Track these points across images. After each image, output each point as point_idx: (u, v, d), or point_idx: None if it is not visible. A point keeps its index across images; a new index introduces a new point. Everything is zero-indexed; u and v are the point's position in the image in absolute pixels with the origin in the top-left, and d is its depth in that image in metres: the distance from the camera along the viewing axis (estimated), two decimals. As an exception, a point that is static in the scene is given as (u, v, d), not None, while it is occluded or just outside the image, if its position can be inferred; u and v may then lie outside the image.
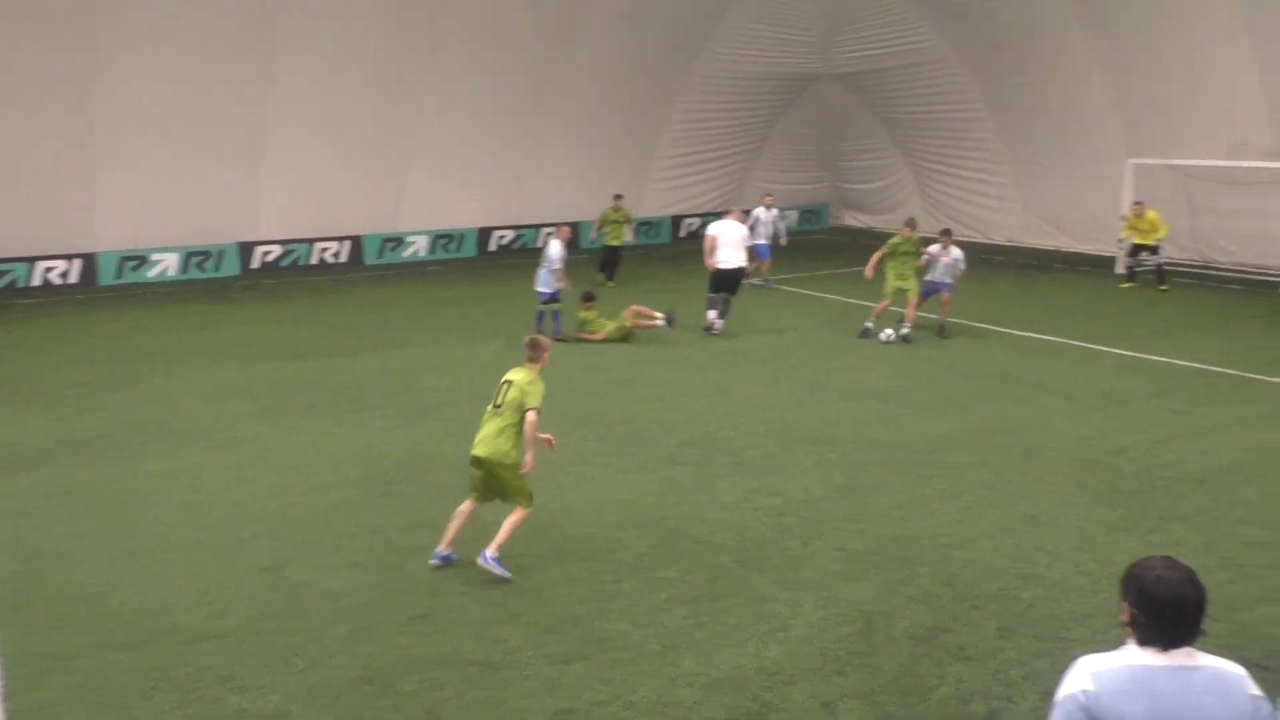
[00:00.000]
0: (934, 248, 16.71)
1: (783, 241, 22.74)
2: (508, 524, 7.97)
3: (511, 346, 16.08)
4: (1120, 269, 22.55)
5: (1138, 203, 21.40)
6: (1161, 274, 20.99)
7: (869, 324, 16.53)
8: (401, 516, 9.21)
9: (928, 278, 16.72)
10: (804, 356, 15.50)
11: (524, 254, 27.46)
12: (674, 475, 10.29)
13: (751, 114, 30.61)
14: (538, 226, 28.11)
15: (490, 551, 7.84)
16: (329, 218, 24.94)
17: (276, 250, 24.46)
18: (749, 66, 28.88)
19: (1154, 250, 21.04)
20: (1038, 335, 16.69)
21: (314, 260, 24.93)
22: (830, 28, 28.52)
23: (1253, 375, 13.97)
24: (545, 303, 16.79)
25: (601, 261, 22.65)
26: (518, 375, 8.13)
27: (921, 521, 9.03)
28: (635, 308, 16.98)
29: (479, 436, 7.98)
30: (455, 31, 24.13)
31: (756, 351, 15.85)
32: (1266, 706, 3.15)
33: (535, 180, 27.70)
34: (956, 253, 16.63)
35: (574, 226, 28.54)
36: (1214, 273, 22.65)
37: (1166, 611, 3.10)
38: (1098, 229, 25.30)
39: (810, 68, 29.85)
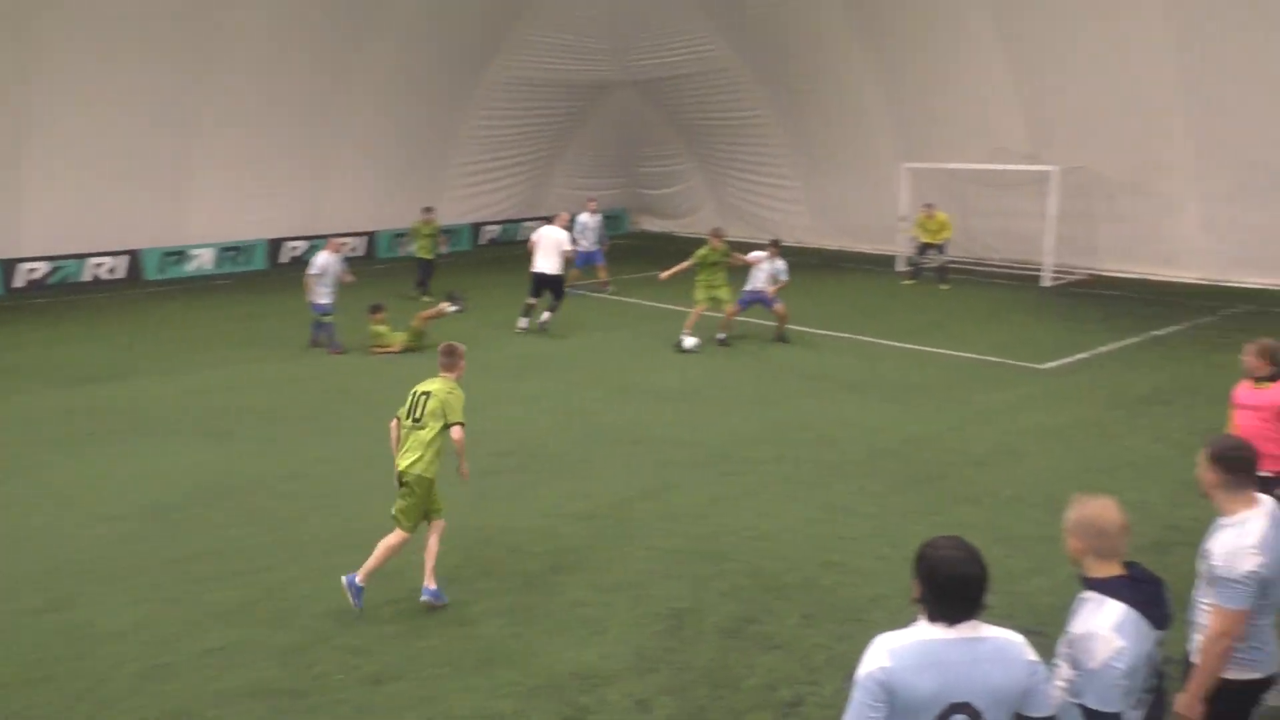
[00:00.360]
0: (757, 254, 16.86)
1: (604, 246, 22.82)
2: (432, 545, 7.63)
3: (308, 362, 15.64)
4: (902, 266, 23.92)
5: (928, 205, 22.68)
6: (944, 272, 22.36)
7: (685, 335, 16.64)
8: (196, 545, 8.76)
9: (747, 287, 16.79)
10: (610, 360, 15.69)
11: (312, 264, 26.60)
12: (486, 485, 10.19)
13: (549, 120, 30.73)
14: (331, 237, 27.20)
15: (430, 584, 7.50)
16: (102, 231, 23.35)
17: (43, 267, 22.77)
18: (543, 73, 28.98)
19: (940, 249, 22.37)
20: (829, 332, 17.47)
21: (87, 277, 23.34)
22: (622, 36, 28.98)
23: (1021, 363, 15.08)
24: (322, 315, 16.40)
25: (419, 276, 22.07)
26: (435, 385, 7.72)
27: (727, 517, 9.30)
28: (421, 314, 16.66)
29: (406, 454, 7.55)
30: (236, 32, 23.08)
31: (564, 357, 15.92)
32: (1042, 669, 3.41)
33: (327, 189, 26.88)
34: (780, 263, 16.81)
35: (370, 236, 27.99)
36: (984, 269, 24.33)
37: (951, 588, 3.30)
38: (878, 230, 26.74)
39: (605, 75, 30.23)
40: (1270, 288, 20.80)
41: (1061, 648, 3.88)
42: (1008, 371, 14.69)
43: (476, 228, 30.24)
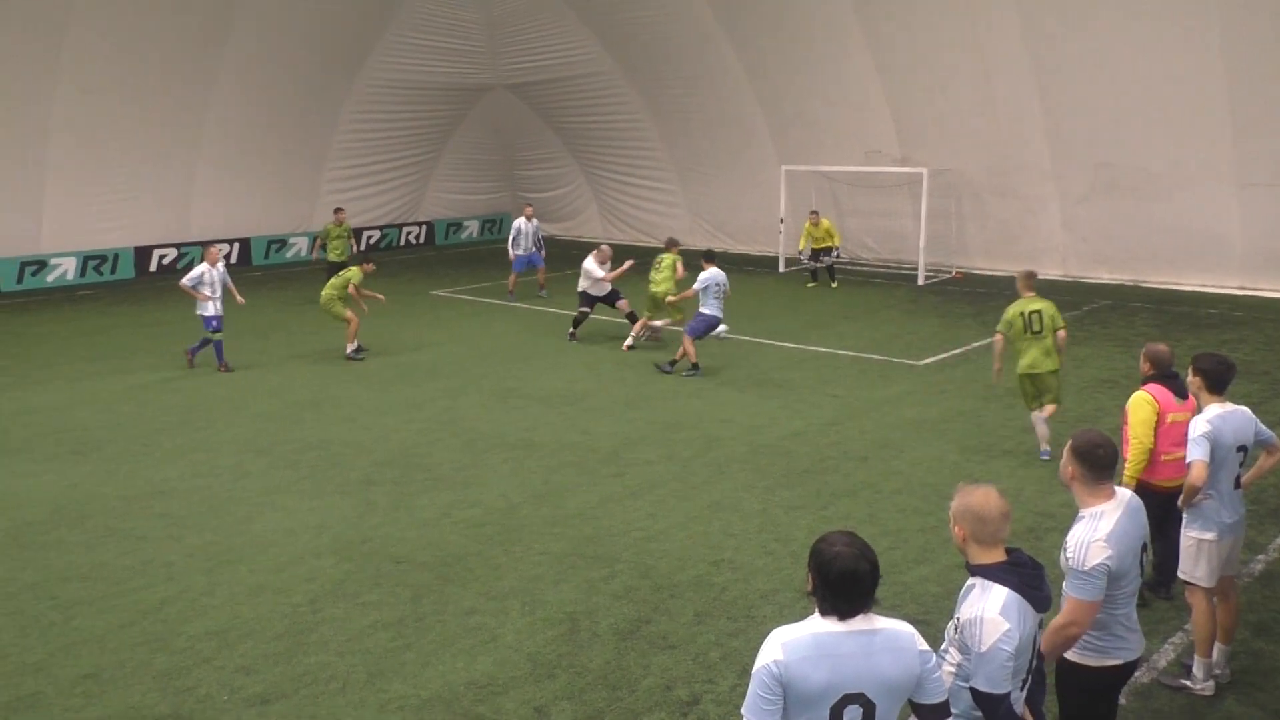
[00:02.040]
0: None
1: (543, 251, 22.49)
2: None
3: (178, 374, 15.06)
4: (782, 268, 24.40)
5: (814, 212, 23.00)
6: (831, 272, 22.72)
7: (632, 340, 16.50)
8: (60, 568, 8.34)
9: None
10: (494, 365, 15.54)
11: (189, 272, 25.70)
12: (371, 496, 9.99)
13: (426, 124, 30.33)
14: (203, 244, 26.31)
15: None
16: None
17: (-115, 280, 21.42)
18: (418, 76, 28.55)
19: (829, 253, 22.66)
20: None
21: (-66, 289, 22.05)
22: (497, 39, 28.78)
23: (898, 359, 15.51)
24: (216, 329, 15.45)
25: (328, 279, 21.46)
26: (1043, 304, 10.59)
27: (617, 519, 9.30)
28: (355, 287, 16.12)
29: (1035, 360, 10.50)
30: (89, 30, 22.07)
31: (446, 364, 15.71)
32: (933, 658, 3.50)
33: (196, 194, 25.96)
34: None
35: (245, 242, 27.15)
36: (861, 268, 24.94)
37: (842, 583, 3.36)
38: (759, 231, 27.19)
39: (480, 78, 29.96)
40: (1124, 284, 21.86)
41: (949, 633, 4.00)
42: (886, 367, 15.08)
43: (356, 233, 29.56)
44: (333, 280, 16.26)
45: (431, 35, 27.81)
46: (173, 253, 25.90)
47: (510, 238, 21.92)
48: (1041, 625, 4.05)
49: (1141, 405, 6.87)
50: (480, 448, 11.49)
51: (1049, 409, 10.70)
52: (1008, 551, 3.97)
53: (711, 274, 15.11)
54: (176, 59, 23.87)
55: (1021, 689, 3.95)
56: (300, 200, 28.35)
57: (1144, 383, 7.08)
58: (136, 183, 24.65)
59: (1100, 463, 4.57)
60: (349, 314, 16.04)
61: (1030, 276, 10.93)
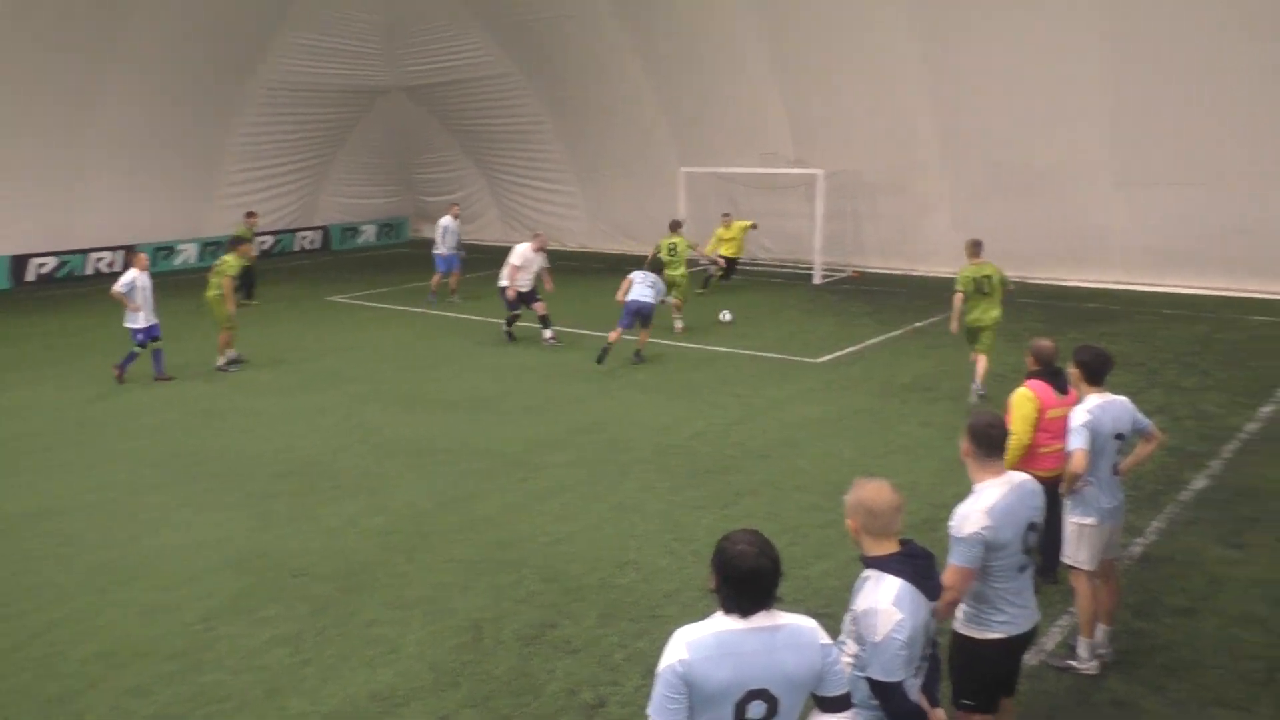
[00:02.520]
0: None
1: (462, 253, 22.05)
2: None
3: (68, 386, 14.49)
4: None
5: (725, 214, 23.11)
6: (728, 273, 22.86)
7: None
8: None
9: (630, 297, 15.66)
10: (398, 371, 15.34)
11: (70, 283, 24.84)
12: (271, 508, 9.77)
13: (321, 127, 29.78)
14: (85, 251, 25.46)
15: None
16: None
17: None
18: (312, 78, 28.01)
19: (732, 264, 22.77)
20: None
21: None
22: (394, 41, 28.41)
23: (797, 358, 15.77)
24: (143, 344, 14.68)
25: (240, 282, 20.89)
26: (991, 269, 12.86)
27: (524, 524, 9.28)
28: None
29: (981, 315, 12.84)
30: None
31: (349, 370, 15.44)
32: (835, 651, 3.58)
33: (78, 200, 25.02)
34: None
35: (131, 249, 26.26)
36: (760, 269, 25.28)
37: (744, 581, 3.41)
38: (659, 233, 27.26)
39: (377, 80, 29.55)
40: (1014, 280, 22.53)
41: (846, 624, 4.10)
42: (786, 366, 15.33)
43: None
44: (211, 280, 15.41)
45: (327, 36, 27.32)
46: (52, 261, 24.96)
47: (438, 236, 21.44)
48: (933, 614, 4.19)
49: (1022, 402, 7.15)
50: (385, 455, 11.33)
51: (983, 359, 13.00)
52: (901, 543, 4.09)
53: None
54: (57, 62, 22.98)
55: (916, 676, 4.07)
56: (192, 205, 27.55)
57: (1028, 378, 7.36)
58: (13, 190, 23.64)
59: (991, 442, 4.81)
60: (233, 309, 15.31)
61: (977, 245, 13.38)
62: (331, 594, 7.88)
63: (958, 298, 12.98)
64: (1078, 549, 6.46)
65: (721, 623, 3.45)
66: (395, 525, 9.27)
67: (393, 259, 29.13)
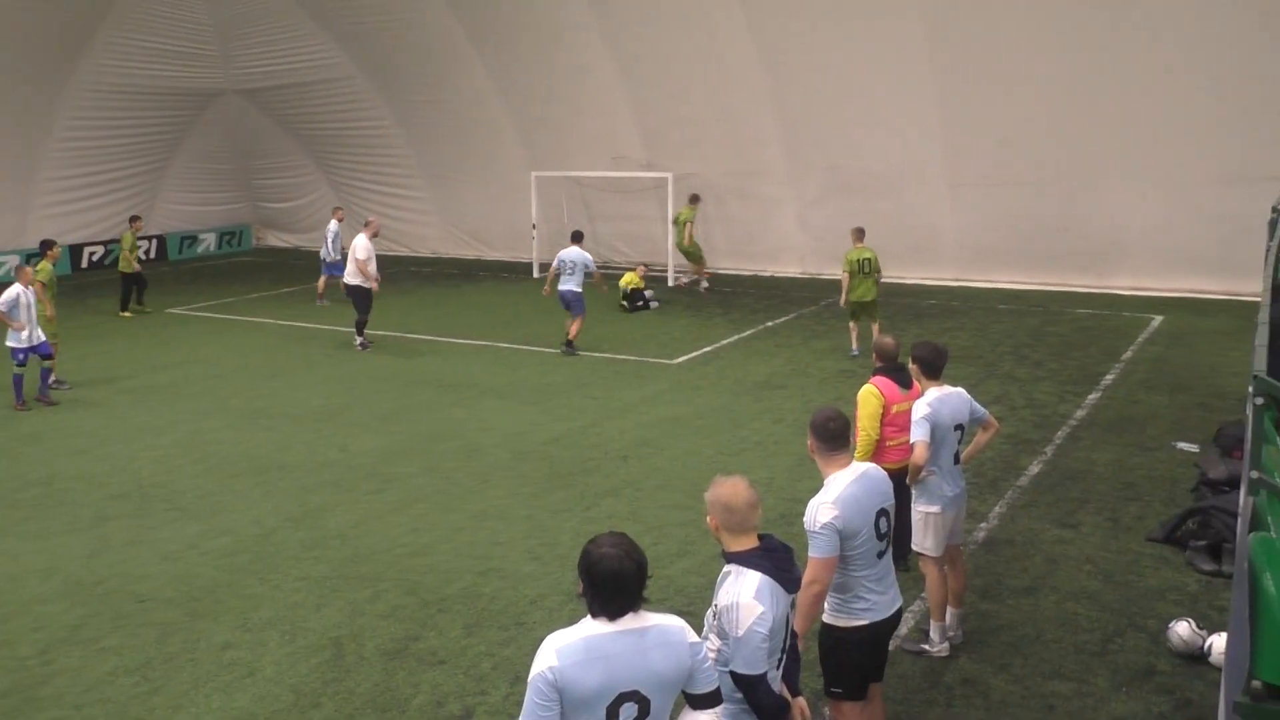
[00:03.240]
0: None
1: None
2: None
3: None
4: (536, 274, 24.51)
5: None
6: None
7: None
8: None
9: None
10: (240, 384, 14.77)
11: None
12: (106, 532, 9.27)
13: (151, 131, 28.33)
14: (21, 265, 23.57)
15: None
16: None
17: None
18: (138, 80, 26.58)
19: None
20: (468, 341, 17.51)
21: None
22: (227, 41, 27.35)
23: (653, 359, 15.92)
24: (23, 362, 13.54)
25: (129, 289, 20.79)
26: (870, 253, 14.71)
27: (379, 536, 9.07)
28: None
29: (864, 292, 14.76)
30: None
31: (187, 385, 14.79)
32: (703, 649, 3.63)
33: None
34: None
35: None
36: (613, 271, 25.39)
37: (609, 584, 3.43)
38: (512, 237, 27.17)
39: (209, 83, 28.35)
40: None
41: (709, 620, 4.16)
42: (642, 368, 15.45)
43: (76, 249, 27.30)
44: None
45: (153, 36, 25.99)
46: None
47: (328, 240, 21.46)
48: (793, 606, 4.29)
49: (868, 399, 7.40)
50: (228, 472, 10.90)
51: (876, 326, 14.99)
52: (759, 538, 4.17)
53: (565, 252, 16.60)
54: None
55: (778, 668, 4.17)
56: (9, 216, 25.89)
57: (873, 374, 7.62)
58: None
59: (832, 435, 4.98)
60: (51, 313, 14.48)
61: (860, 232, 15.47)
62: (178, 619, 7.54)
63: (845, 277, 15.03)
64: (925, 536, 6.72)
65: (590, 627, 3.45)
66: (240, 545, 8.93)
67: (235, 268, 28.04)
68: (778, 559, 4.14)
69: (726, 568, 4.16)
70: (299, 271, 22.59)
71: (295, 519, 9.53)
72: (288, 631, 7.30)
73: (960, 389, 6.88)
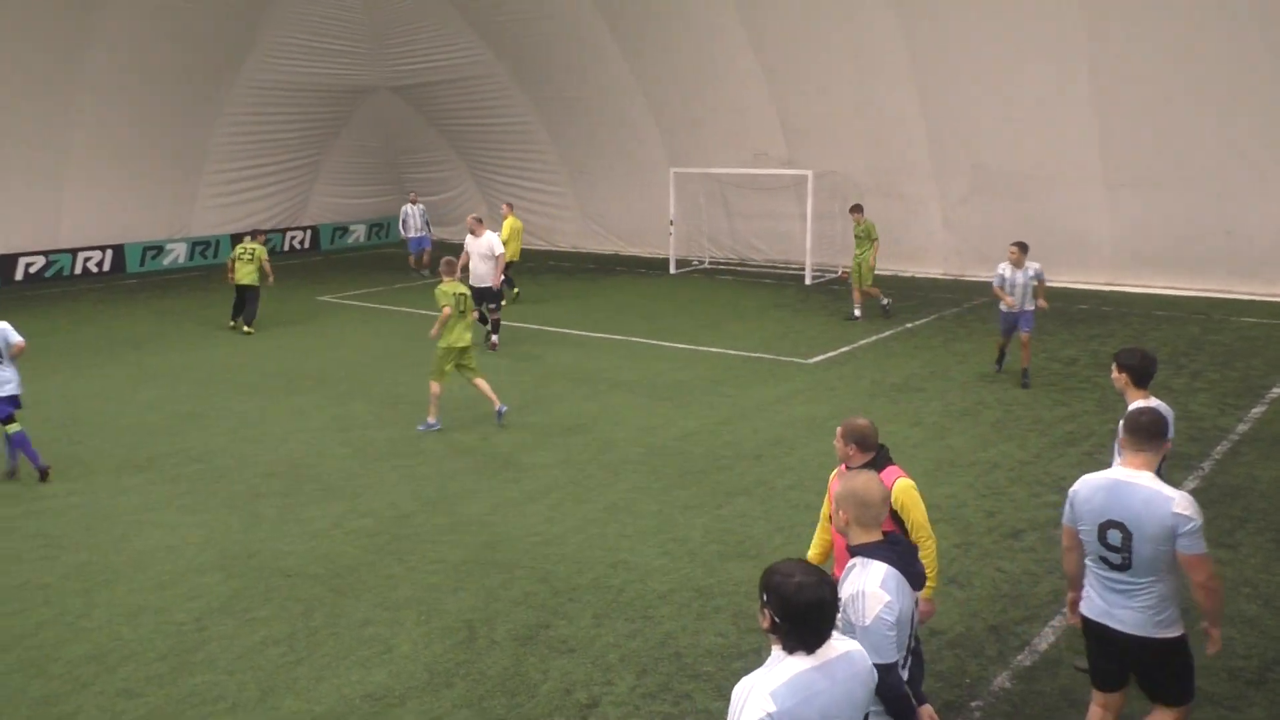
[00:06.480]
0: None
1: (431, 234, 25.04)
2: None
3: (48, 386, 14.39)
4: (673, 270, 24.60)
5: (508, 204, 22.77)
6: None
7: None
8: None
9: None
10: (383, 371, 15.28)
11: (59, 281, 24.80)
12: (258, 509, 9.72)
13: (309, 126, 29.66)
14: (74, 251, 25.39)
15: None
16: None
17: None
18: (299, 77, 27.85)
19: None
20: (603, 335, 17.69)
21: None
22: (381, 40, 28.32)
23: (788, 358, 15.77)
24: (6, 420, 10.55)
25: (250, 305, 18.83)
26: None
27: (513, 524, 9.25)
28: None
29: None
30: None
31: (334, 371, 15.38)
32: (880, 670, 3.63)
33: (65, 199, 24.94)
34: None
35: (119, 249, 26.19)
36: (750, 269, 25.30)
37: (810, 617, 3.23)
38: (650, 233, 27.33)
39: (364, 80, 29.44)
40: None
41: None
42: (776, 366, 15.33)
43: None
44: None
45: (312, 36, 27.18)
46: (40, 260, 24.88)
47: (400, 221, 25.38)
48: (917, 604, 4.26)
49: (915, 494, 5.60)
50: (371, 455, 11.29)
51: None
52: (883, 533, 4.20)
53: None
54: (37, 64, 22.89)
55: (903, 667, 4.09)
56: (178, 205, 27.45)
57: (881, 466, 5.60)
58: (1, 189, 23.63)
59: (1141, 430, 4.95)
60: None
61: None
62: (322, 594, 7.85)
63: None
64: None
65: (792, 664, 3.26)
66: (381, 527, 9.23)
67: (382, 258, 29.05)
68: (902, 552, 4.19)
69: (851, 560, 4.17)
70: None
71: (433, 503, 9.80)
72: (424, 612, 7.52)
73: (1163, 403, 6.09)
